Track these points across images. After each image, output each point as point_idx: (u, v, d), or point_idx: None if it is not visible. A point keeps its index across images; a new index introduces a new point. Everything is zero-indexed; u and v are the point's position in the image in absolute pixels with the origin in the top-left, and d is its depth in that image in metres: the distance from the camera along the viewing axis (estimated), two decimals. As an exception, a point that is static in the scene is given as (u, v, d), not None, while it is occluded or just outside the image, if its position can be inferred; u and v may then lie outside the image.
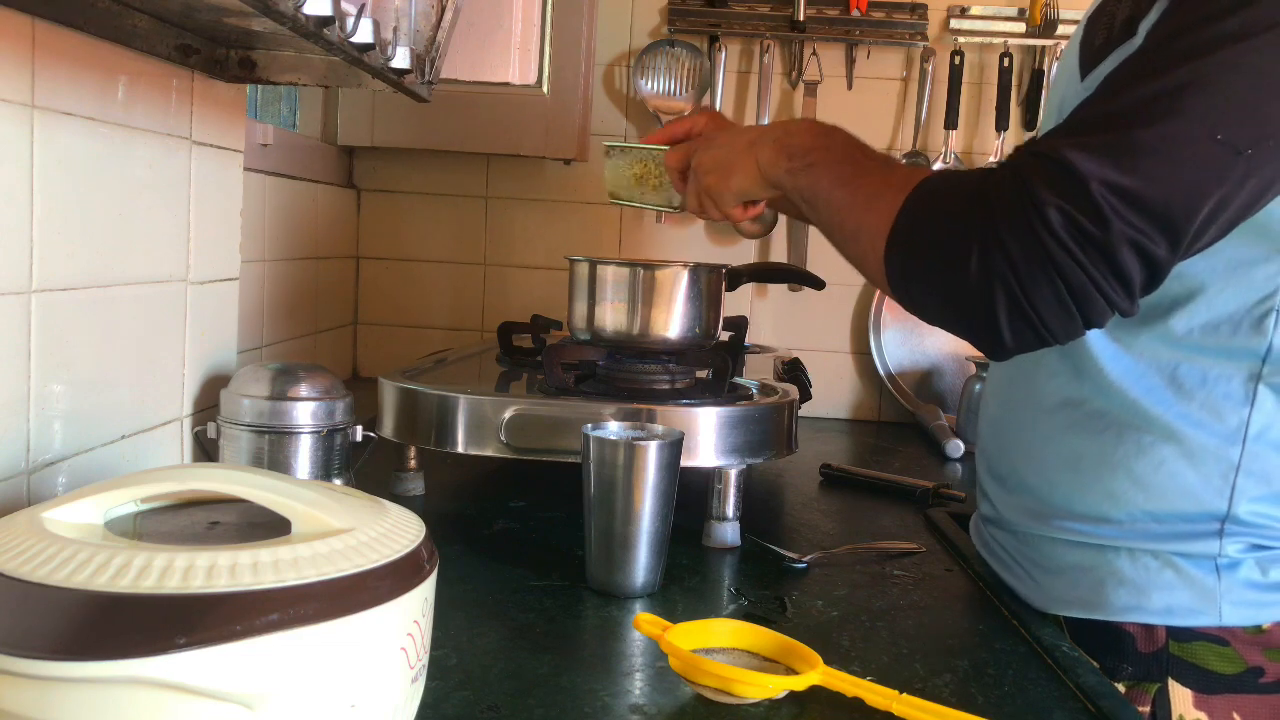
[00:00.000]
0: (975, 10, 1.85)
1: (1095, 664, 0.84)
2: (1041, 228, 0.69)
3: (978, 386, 1.70)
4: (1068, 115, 0.75)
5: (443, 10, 1.07)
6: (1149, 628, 0.84)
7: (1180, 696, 0.82)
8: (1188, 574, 0.82)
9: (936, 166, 1.84)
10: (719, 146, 1.02)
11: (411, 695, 0.57)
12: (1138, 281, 0.70)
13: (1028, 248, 0.70)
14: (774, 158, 0.94)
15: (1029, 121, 1.87)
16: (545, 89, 1.69)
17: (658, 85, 1.85)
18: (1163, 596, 0.83)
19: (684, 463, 0.93)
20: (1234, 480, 0.81)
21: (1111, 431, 0.84)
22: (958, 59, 1.83)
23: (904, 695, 0.68)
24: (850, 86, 1.87)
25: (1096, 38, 0.81)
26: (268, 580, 0.49)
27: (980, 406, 1.05)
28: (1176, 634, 0.83)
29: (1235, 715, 0.82)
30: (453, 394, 1.07)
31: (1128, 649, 0.84)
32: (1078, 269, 0.69)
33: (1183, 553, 0.83)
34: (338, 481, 1.03)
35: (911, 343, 1.90)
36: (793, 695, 0.71)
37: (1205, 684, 0.82)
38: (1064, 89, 0.87)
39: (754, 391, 1.20)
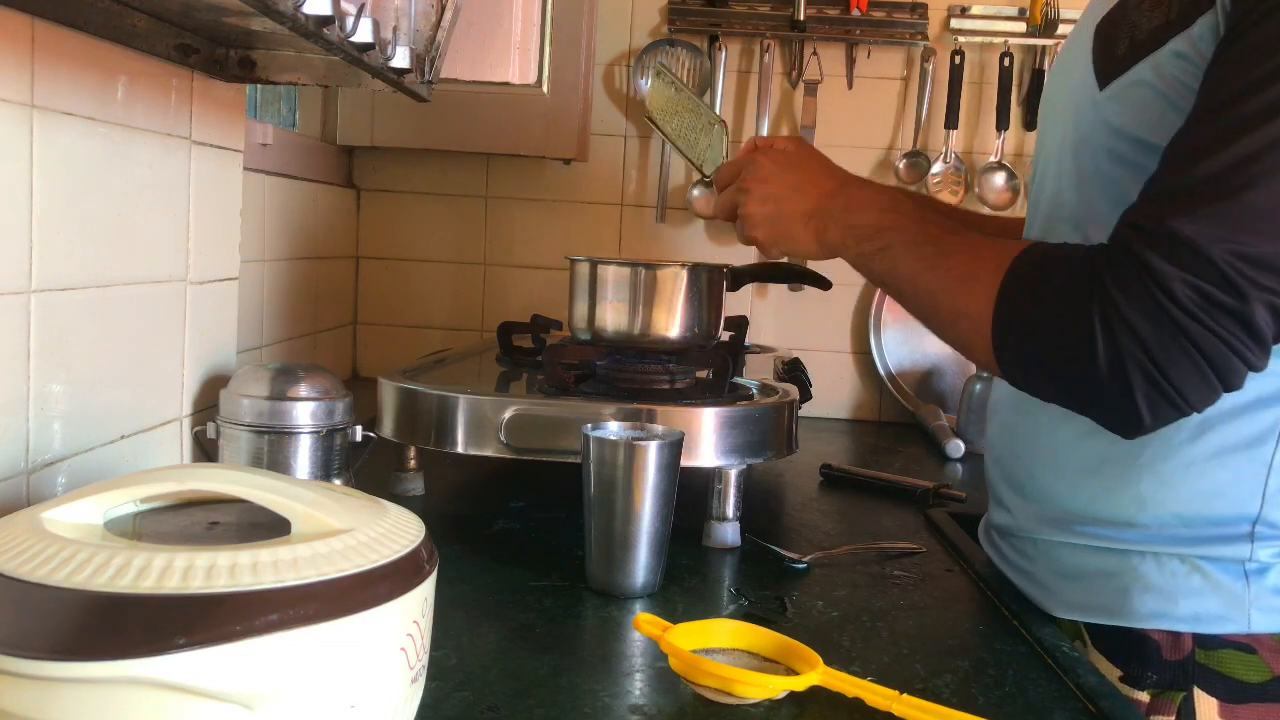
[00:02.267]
0: (975, 10, 1.85)
1: (1118, 671, 0.83)
2: (1169, 302, 0.68)
3: (978, 386, 1.70)
4: (1152, 182, 0.73)
5: (443, 10, 1.07)
6: (1175, 635, 0.82)
7: (1206, 705, 0.81)
8: (1216, 580, 0.81)
9: (937, 167, 1.84)
10: (769, 199, 0.99)
11: (411, 695, 0.57)
12: (1271, 335, 0.70)
13: (1157, 324, 0.69)
14: (841, 239, 0.93)
15: (1029, 121, 1.87)
16: (545, 89, 1.69)
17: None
18: (1190, 603, 0.81)
19: (684, 463, 0.92)
20: (1266, 480, 0.79)
21: None
22: (958, 59, 1.83)
23: (904, 695, 0.68)
24: (850, 86, 1.87)
25: (1118, 46, 0.79)
26: (267, 580, 0.49)
27: (990, 412, 1.03)
28: (1203, 641, 0.81)
29: None
30: (452, 394, 1.07)
31: (1152, 656, 0.83)
32: (1214, 339, 0.68)
33: (1211, 557, 0.81)
34: (337, 482, 1.03)
35: (911, 343, 1.90)
36: (793, 695, 0.71)
37: (1231, 693, 0.81)
38: (1076, 96, 0.85)
39: (754, 391, 1.20)
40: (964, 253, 0.83)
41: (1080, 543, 0.87)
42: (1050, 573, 0.90)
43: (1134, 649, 0.83)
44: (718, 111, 1.84)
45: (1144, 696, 0.82)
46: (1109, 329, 0.70)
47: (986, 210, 1.82)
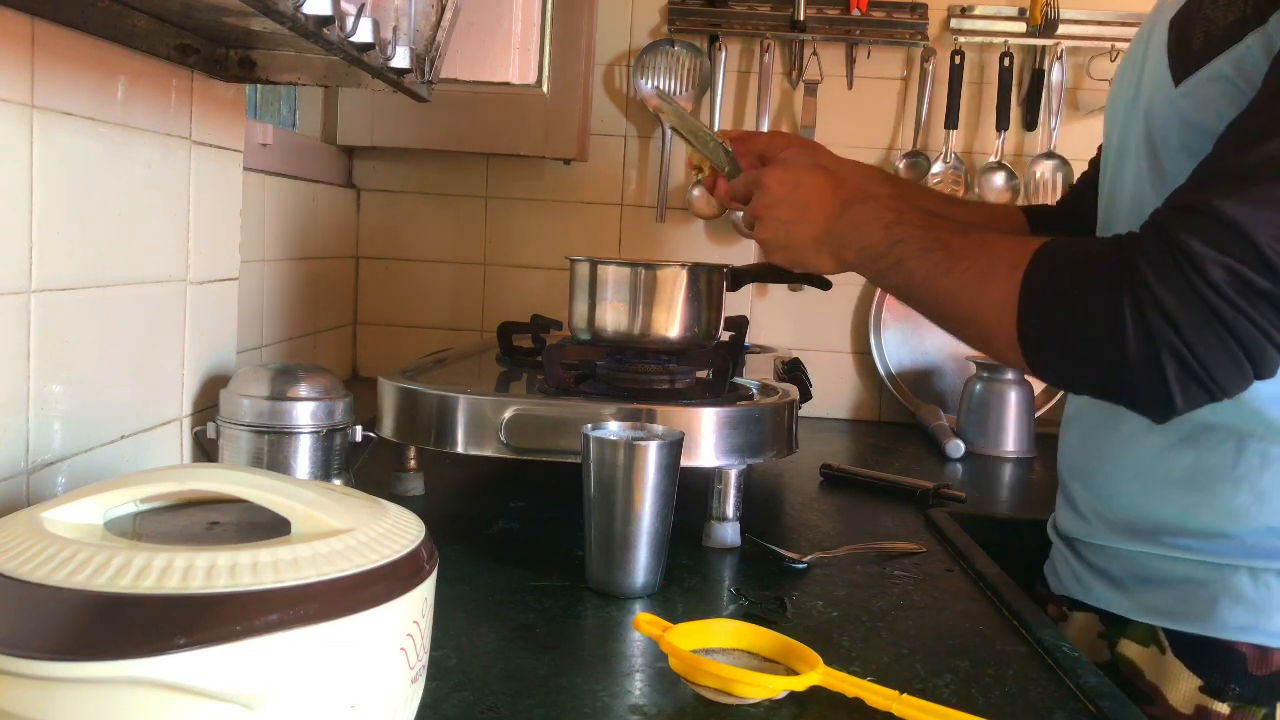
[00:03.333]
0: (975, 10, 1.85)
1: (1198, 680, 0.82)
2: (1204, 285, 0.67)
3: (978, 386, 1.70)
4: (1202, 166, 0.73)
5: (442, 10, 1.07)
6: (1264, 649, 0.82)
7: None
8: None
9: (937, 167, 1.84)
10: (779, 224, 0.99)
11: (411, 695, 0.57)
12: None
13: (1190, 306, 0.68)
14: (856, 260, 0.93)
15: (1029, 121, 1.87)
16: (545, 89, 1.69)
17: (658, 85, 1.85)
18: None
19: (684, 463, 0.92)
20: None
21: (1230, 444, 0.83)
22: (958, 59, 1.83)
23: (904, 695, 0.68)
24: (850, 86, 1.87)
25: (1193, 41, 0.79)
26: (267, 580, 0.49)
27: (1067, 423, 1.02)
28: None
29: None
30: (452, 394, 1.07)
31: (1237, 669, 0.82)
32: (1248, 324, 0.67)
33: None
34: (337, 481, 1.03)
35: (911, 343, 1.90)
36: (793, 695, 0.71)
37: None
38: (1150, 93, 0.84)
39: (754, 391, 1.20)
40: (978, 250, 0.83)
41: (1168, 554, 0.86)
42: (1131, 576, 0.90)
43: (1218, 659, 0.83)
44: (717, 112, 1.85)
45: (1224, 709, 0.82)
46: (1139, 309, 0.69)
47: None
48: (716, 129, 1.84)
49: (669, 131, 1.84)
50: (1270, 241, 0.66)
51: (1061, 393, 1.84)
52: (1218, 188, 0.69)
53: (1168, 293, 0.68)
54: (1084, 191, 1.10)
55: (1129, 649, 0.89)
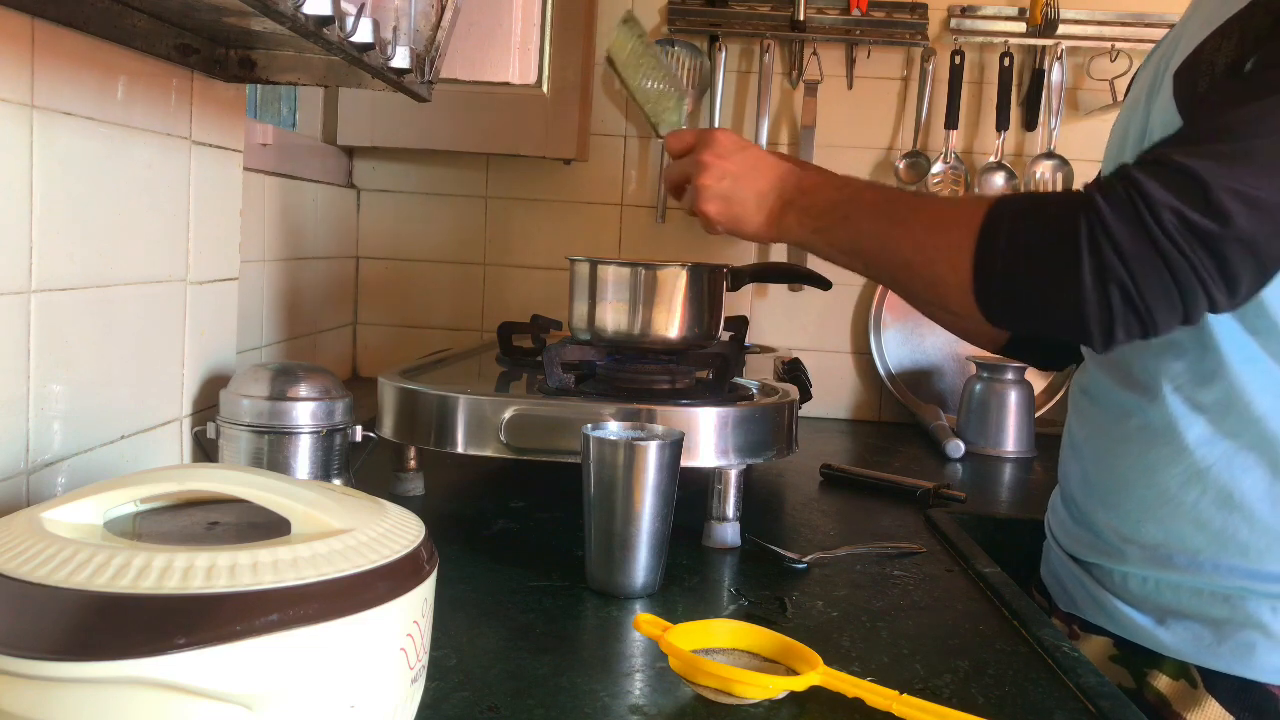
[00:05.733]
0: (976, 10, 1.85)
1: (1232, 717, 0.83)
2: (1154, 224, 0.72)
3: (978, 386, 1.70)
4: (1168, 136, 0.77)
5: (442, 10, 1.07)
6: None
7: None
8: None
9: (937, 167, 1.84)
10: (726, 175, 0.99)
11: (411, 695, 0.57)
12: (1244, 282, 0.74)
13: (1140, 243, 0.73)
14: (799, 221, 0.94)
15: (1029, 121, 1.87)
16: (545, 89, 1.69)
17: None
18: None
19: (684, 463, 0.92)
20: None
21: (1264, 468, 0.84)
22: (958, 59, 1.83)
23: (904, 696, 0.68)
24: (850, 86, 1.87)
25: (1199, 86, 0.82)
26: (267, 580, 0.49)
27: (1073, 448, 1.01)
28: None
29: None
30: (453, 394, 1.07)
31: (1269, 709, 0.83)
32: (1186, 266, 0.72)
33: None
34: (337, 482, 1.03)
35: (911, 343, 1.90)
36: (793, 695, 0.71)
37: None
38: (1161, 135, 0.86)
39: (754, 391, 1.20)
40: (933, 204, 0.87)
41: (1204, 584, 0.86)
42: (1161, 610, 0.89)
43: (1251, 699, 0.84)
44: (717, 112, 1.84)
45: None
46: (1094, 243, 0.74)
47: None
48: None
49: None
50: (1218, 189, 0.71)
51: (1062, 392, 1.84)
52: (1180, 147, 0.75)
53: (1121, 228, 0.73)
54: None
55: (1159, 681, 0.89)
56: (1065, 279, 0.75)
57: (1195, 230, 0.71)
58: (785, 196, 0.96)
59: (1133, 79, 1.05)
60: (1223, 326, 0.83)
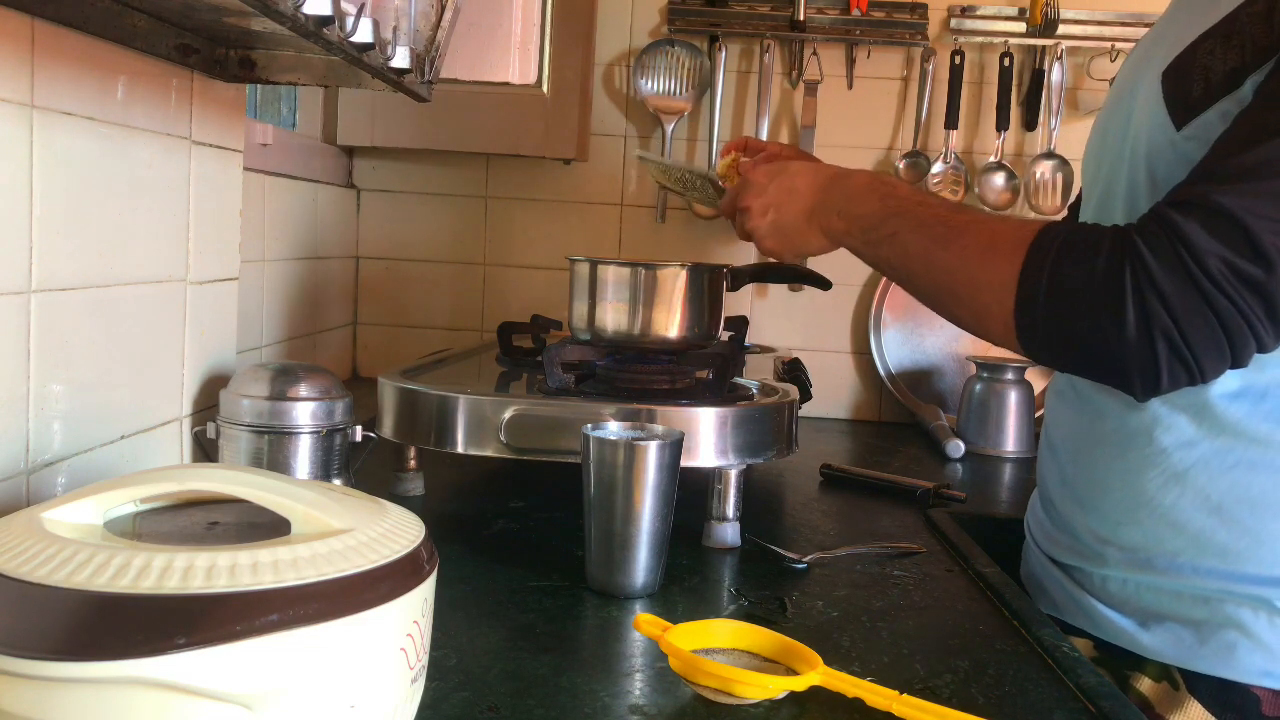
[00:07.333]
0: (975, 10, 1.85)
1: (1213, 718, 0.83)
2: (1200, 273, 0.71)
3: (978, 386, 1.70)
4: (1199, 166, 0.76)
5: (443, 10, 1.07)
6: (1278, 693, 0.82)
7: None
8: None
9: (937, 167, 1.84)
10: (768, 209, 1.01)
11: (411, 695, 0.57)
12: None
13: (1185, 292, 0.72)
14: (846, 230, 0.95)
15: (1029, 121, 1.87)
16: (545, 89, 1.69)
17: (658, 85, 1.85)
18: None
19: (684, 463, 0.92)
20: None
21: (1245, 466, 0.83)
22: (958, 59, 1.83)
23: (904, 695, 0.68)
24: (850, 86, 1.87)
25: (1191, 89, 0.81)
26: (267, 580, 0.49)
27: (1051, 448, 1.01)
28: None
29: None
30: (453, 394, 1.07)
31: (1251, 710, 0.83)
32: (1236, 312, 0.72)
33: None
34: (337, 481, 1.03)
35: (911, 343, 1.90)
36: (793, 695, 0.71)
37: None
38: (1149, 138, 0.86)
39: (754, 391, 1.20)
40: (978, 228, 0.85)
41: (1184, 587, 0.86)
42: (1143, 613, 0.89)
43: (1233, 699, 0.84)
44: (717, 112, 1.85)
45: None
46: (1139, 291, 0.73)
47: (986, 210, 1.82)
48: (716, 130, 1.85)
49: (669, 135, 1.84)
50: (1262, 232, 0.70)
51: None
52: (1214, 185, 0.73)
53: (1166, 278, 0.72)
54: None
55: (1142, 683, 0.89)
56: (1109, 328, 0.75)
57: (1243, 277, 0.71)
58: (830, 208, 0.97)
59: (1113, 79, 1.04)
60: None
